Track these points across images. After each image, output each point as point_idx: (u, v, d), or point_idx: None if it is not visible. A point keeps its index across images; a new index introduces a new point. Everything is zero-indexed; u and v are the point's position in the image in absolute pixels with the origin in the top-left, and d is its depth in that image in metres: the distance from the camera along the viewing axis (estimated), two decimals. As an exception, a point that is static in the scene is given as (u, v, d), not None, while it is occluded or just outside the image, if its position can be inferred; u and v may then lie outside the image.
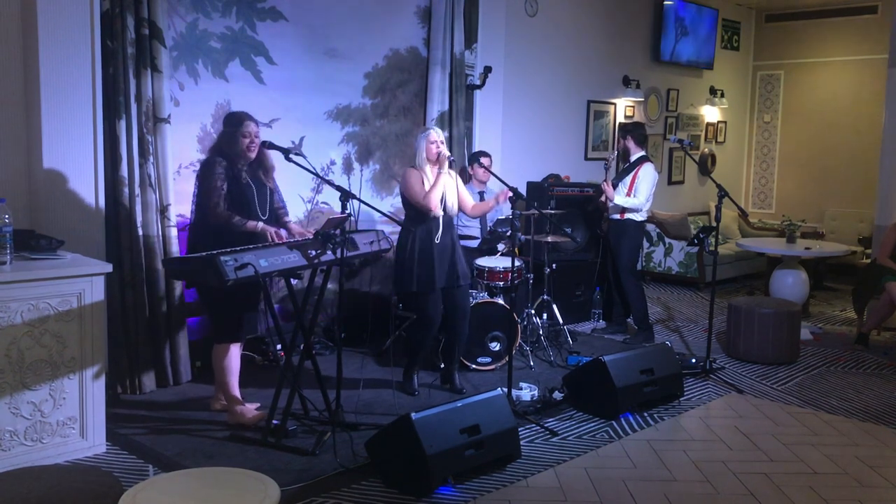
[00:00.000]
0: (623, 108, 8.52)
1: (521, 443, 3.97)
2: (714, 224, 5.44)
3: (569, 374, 4.93)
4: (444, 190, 4.65)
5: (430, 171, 4.62)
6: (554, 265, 5.99)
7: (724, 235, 8.65)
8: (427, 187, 4.57)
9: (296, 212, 5.40)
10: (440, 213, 4.63)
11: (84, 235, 4.32)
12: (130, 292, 4.55)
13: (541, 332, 5.77)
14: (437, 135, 4.66)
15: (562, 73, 7.74)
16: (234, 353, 4.25)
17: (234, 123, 4.14)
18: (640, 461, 3.91)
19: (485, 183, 6.11)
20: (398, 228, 4.73)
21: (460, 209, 4.85)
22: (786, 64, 10.16)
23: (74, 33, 4.23)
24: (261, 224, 4.09)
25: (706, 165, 9.81)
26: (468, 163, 6.28)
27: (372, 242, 4.37)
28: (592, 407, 4.58)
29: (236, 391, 4.25)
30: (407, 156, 6.21)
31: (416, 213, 4.63)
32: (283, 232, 4.21)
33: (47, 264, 3.72)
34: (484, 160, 5.90)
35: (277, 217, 4.35)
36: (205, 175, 4.09)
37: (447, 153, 4.62)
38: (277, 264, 3.79)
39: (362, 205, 4.21)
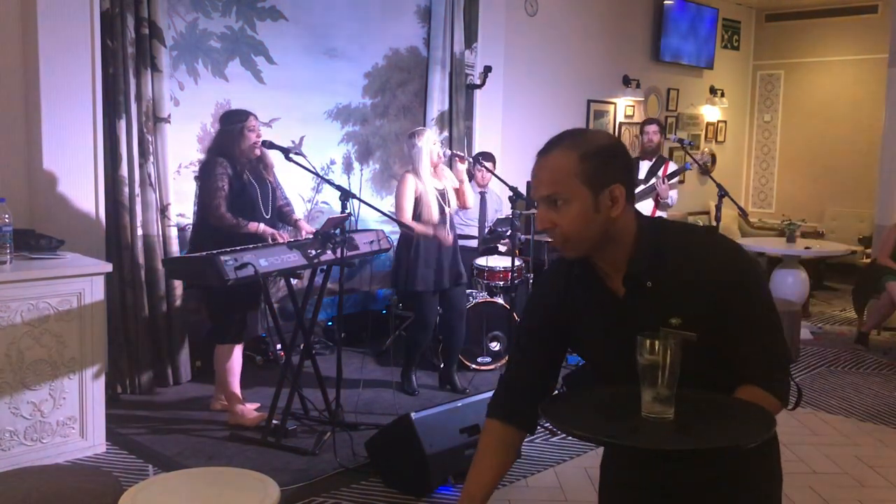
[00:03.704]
0: (623, 107, 8.51)
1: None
2: (714, 224, 5.44)
3: (569, 373, 4.93)
4: (446, 191, 4.66)
5: (427, 175, 4.60)
6: (554, 265, 5.98)
7: (724, 235, 8.63)
8: (413, 198, 4.54)
9: (296, 212, 5.39)
10: (435, 218, 4.60)
11: (84, 235, 4.32)
12: (130, 292, 4.55)
13: (541, 332, 5.76)
14: (435, 137, 4.68)
15: (562, 73, 7.73)
16: (236, 353, 4.25)
17: (236, 120, 4.13)
18: (640, 461, 3.91)
19: (485, 186, 6.11)
20: (397, 228, 4.72)
21: (462, 207, 4.86)
22: (786, 63, 10.15)
23: (74, 33, 4.23)
24: (262, 226, 4.09)
25: (706, 165, 9.81)
26: (471, 164, 6.27)
27: (372, 242, 4.37)
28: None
29: (238, 390, 4.25)
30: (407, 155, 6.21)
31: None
32: (284, 234, 4.21)
33: (47, 264, 3.72)
34: (487, 164, 5.87)
35: (283, 215, 4.35)
36: (205, 176, 4.08)
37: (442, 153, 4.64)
38: (277, 264, 3.80)
39: (362, 204, 4.21)
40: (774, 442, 1.67)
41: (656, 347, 1.43)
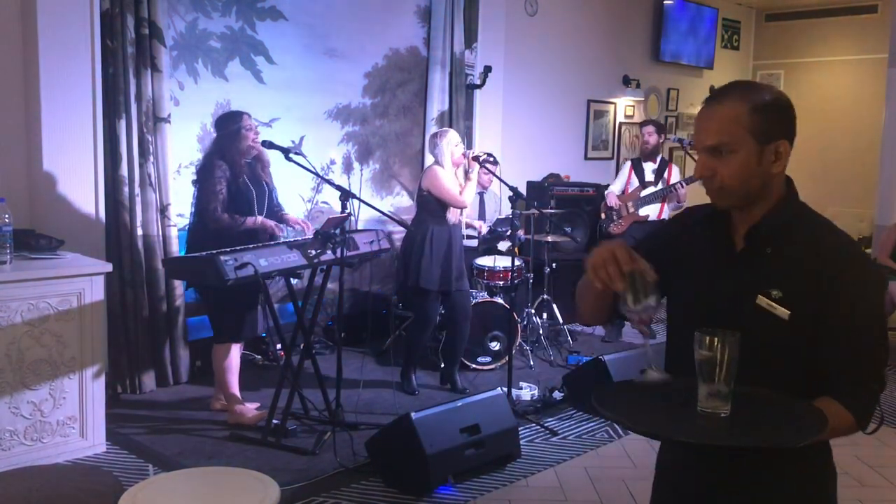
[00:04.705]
0: (623, 107, 8.51)
1: (521, 442, 3.97)
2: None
3: (569, 373, 4.93)
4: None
5: (454, 170, 4.62)
6: (554, 265, 5.99)
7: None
8: (454, 182, 4.58)
9: (296, 212, 5.40)
10: (453, 218, 4.63)
11: (84, 235, 4.32)
12: (130, 292, 4.55)
13: (541, 332, 5.77)
14: (456, 138, 4.69)
15: (562, 73, 7.73)
16: (235, 352, 4.25)
17: (232, 122, 4.15)
18: (640, 460, 3.91)
19: (486, 187, 6.11)
20: (398, 228, 4.73)
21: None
22: (786, 63, 10.15)
23: (74, 33, 4.23)
24: (260, 218, 4.12)
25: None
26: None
27: (372, 242, 4.37)
28: (593, 406, 4.57)
29: (236, 391, 4.25)
30: (407, 155, 6.22)
31: (439, 211, 4.62)
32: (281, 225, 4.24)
33: (47, 264, 3.72)
34: (492, 167, 5.84)
35: (274, 216, 4.36)
36: (204, 180, 4.09)
37: (482, 154, 4.65)
38: (277, 264, 3.80)
39: (362, 204, 4.21)
40: (815, 449, 1.60)
41: (715, 343, 1.42)
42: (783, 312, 1.50)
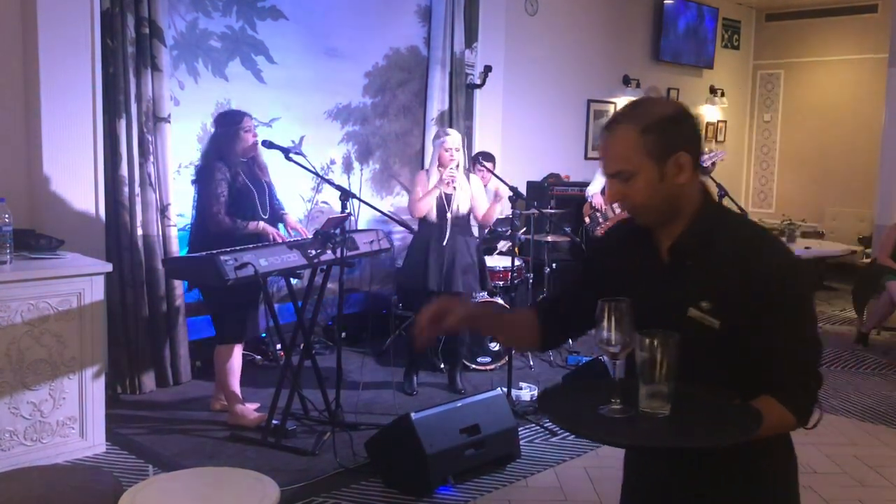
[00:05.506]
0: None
1: (521, 443, 3.97)
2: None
3: (569, 373, 4.93)
4: (456, 194, 4.63)
5: (434, 175, 4.60)
6: (554, 265, 5.98)
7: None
8: (420, 190, 4.56)
9: (296, 211, 5.40)
10: (433, 218, 4.60)
11: (84, 235, 4.31)
12: (130, 292, 4.55)
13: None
14: (453, 142, 4.60)
15: (562, 73, 7.73)
16: (236, 353, 4.24)
17: (232, 122, 4.14)
18: (640, 461, 3.91)
19: (485, 185, 6.10)
20: (398, 228, 4.73)
21: (472, 214, 4.80)
22: (786, 63, 10.15)
23: (74, 32, 4.22)
24: (262, 224, 4.11)
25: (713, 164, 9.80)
26: (470, 164, 6.27)
27: (372, 242, 4.37)
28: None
29: (237, 391, 4.25)
30: (407, 155, 6.22)
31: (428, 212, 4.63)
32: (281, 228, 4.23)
33: (47, 264, 3.72)
34: (486, 163, 5.85)
35: (276, 214, 4.36)
36: (204, 182, 4.08)
37: (458, 162, 4.59)
38: (277, 264, 3.80)
39: (362, 204, 4.21)
40: (777, 444, 1.62)
41: (654, 344, 1.44)
42: (713, 323, 1.52)
